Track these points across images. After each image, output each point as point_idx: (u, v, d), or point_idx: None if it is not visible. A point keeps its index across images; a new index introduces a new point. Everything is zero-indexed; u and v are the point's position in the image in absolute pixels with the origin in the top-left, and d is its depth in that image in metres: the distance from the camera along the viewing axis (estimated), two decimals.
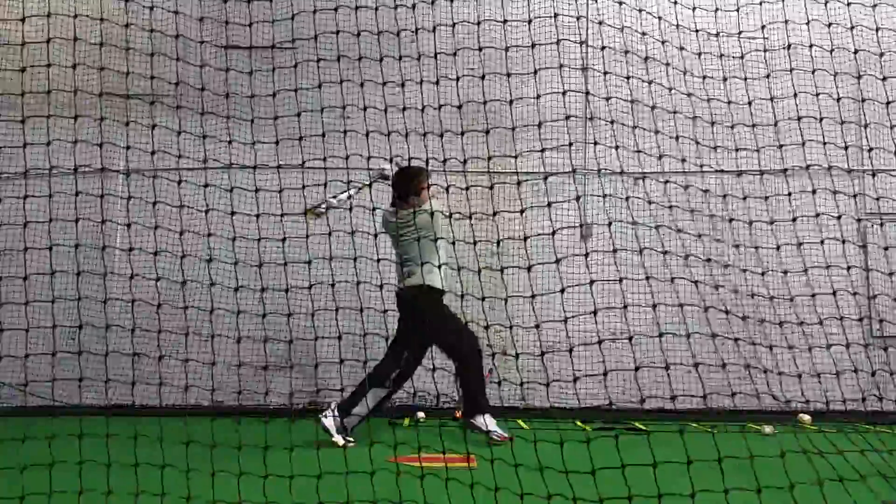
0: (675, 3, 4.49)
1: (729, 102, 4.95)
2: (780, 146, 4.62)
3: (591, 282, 4.10)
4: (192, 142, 5.33)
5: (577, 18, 5.23)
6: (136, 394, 6.81)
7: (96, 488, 3.59)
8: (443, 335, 5.89)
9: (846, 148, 4.86)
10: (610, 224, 4.05)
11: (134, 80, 4.45)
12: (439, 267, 5.64)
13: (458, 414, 6.67)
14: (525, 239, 4.13)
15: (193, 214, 5.37)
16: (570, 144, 5.33)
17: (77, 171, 4.75)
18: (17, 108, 4.99)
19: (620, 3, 4.51)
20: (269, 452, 3.81)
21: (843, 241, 5.22)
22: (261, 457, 3.78)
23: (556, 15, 4.10)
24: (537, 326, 4.32)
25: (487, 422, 5.74)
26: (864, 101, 4.62)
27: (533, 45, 4.13)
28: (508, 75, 4.19)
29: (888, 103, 4.52)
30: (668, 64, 5.14)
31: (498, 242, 4.40)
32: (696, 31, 4.92)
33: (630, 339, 4.19)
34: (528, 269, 4.34)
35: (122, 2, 4.68)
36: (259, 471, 3.68)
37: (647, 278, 4.07)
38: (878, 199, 5.09)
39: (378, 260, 5.40)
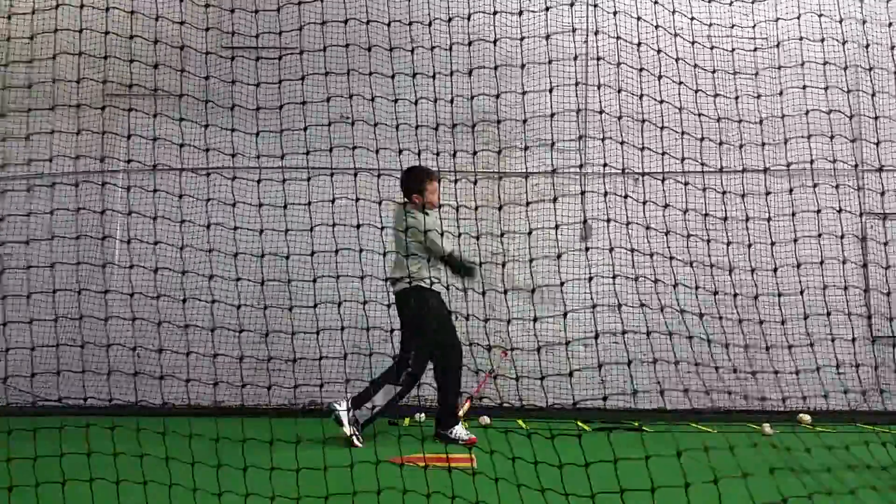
0: (692, 18, 4.43)
1: (741, 121, 4.92)
2: (788, 165, 4.58)
3: (594, 306, 4.10)
4: (196, 152, 5.31)
5: (596, 33, 5.19)
6: (137, 393, 6.84)
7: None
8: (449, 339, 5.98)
9: (856, 167, 4.84)
10: (609, 224, 4.01)
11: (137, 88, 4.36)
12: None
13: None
14: (531, 260, 4.08)
15: (195, 205, 5.35)
16: (581, 166, 5.28)
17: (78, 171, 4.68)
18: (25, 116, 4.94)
19: (639, 19, 4.42)
20: (273, 453, 3.82)
21: (848, 234, 5.22)
22: (266, 456, 3.80)
23: (574, 30, 4.06)
24: (535, 320, 4.32)
25: (458, 431, 5.92)
26: (877, 118, 4.58)
27: (550, 62, 4.09)
28: (524, 93, 4.15)
29: None
30: (676, 59, 5.12)
31: (481, 264, 4.36)
32: (711, 47, 4.87)
33: (629, 362, 4.18)
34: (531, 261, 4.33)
35: (127, 12, 4.59)
36: (264, 471, 3.70)
37: (655, 281, 4.05)
38: (884, 216, 5.07)
39: (384, 253, 5.45)
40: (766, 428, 6.50)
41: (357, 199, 4.46)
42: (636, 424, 6.80)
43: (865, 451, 4.31)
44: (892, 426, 6.67)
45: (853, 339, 5.97)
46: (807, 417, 7.10)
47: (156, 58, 4.60)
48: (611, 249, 4.28)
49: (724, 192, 5.47)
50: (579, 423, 6.80)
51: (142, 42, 4.86)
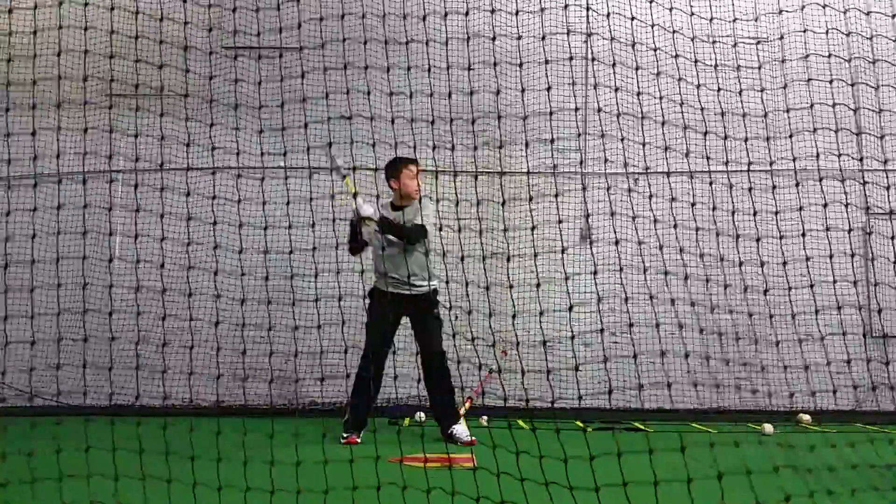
0: (692, 14, 4.43)
1: (744, 115, 4.91)
2: (794, 159, 4.57)
3: (599, 298, 4.09)
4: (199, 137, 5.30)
5: (587, 27, 5.18)
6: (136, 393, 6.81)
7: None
8: (438, 336, 5.95)
9: (861, 159, 4.84)
10: (613, 225, 4.01)
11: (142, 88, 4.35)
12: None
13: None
14: (532, 233, 4.07)
15: (201, 204, 5.36)
16: (581, 156, 5.26)
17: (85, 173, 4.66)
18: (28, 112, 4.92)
19: (633, 19, 4.43)
20: (273, 449, 3.77)
21: (850, 232, 5.24)
22: (267, 455, 3.74)
23: (566, 5, 4.05)
24: (541, 314, 4.30)
25: (458, 430, 5.89)
26: (881, 111, 4.58)
27: (544, 48, 4.07)
28: (521, 64, 4.13)
29: None
30: (675, 56, 5.12)
31: (484, 258, 4.36)
32: (713, 41, 4.87)
33: (634, 356, 4.16)
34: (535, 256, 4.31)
35: (132, 12, 4.59)
36: (263, 470, 3.65)
37: (651, 298, 4.06)
38: (890, 213, 5.06)
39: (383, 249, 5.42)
40: (767, 427, 6.49)
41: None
42: (635, 424, 6.78)
43: (866, 451, 4.30)
44: (892, 426, 6.68)
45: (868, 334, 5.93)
46: (807, 417, 7.08)
47: (160, 58, 4.59)
48: (617, 241, 4.26)
49: (711, 186, 5.45)
50: (579, 423, 6.77)
51: (147, 41, 4.84)
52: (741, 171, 6.26)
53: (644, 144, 4.60)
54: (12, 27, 4.35)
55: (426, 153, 6.70)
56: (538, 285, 4.36)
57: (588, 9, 5.28)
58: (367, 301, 6.00)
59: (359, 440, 5.75)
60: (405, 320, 6.11)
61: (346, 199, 5.85)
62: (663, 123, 4.61)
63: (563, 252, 4.26)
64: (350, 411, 5.90)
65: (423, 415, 7.04)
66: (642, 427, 6.57)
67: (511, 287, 4.22)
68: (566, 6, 4.65)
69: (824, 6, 4.29)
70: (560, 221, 4.19)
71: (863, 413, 7.09)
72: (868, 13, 4.23)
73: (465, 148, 6.95)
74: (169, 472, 3.60)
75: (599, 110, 4.99)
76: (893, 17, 3.80)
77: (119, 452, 3.70)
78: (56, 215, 4.51)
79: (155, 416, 5.58)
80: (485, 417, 6.80)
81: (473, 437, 5.76)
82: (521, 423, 6.85)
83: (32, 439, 3.96)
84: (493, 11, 4.67)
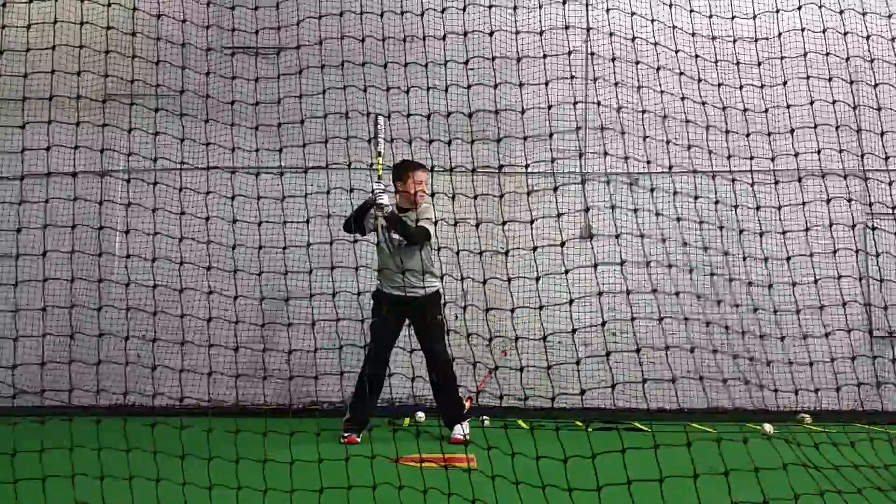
0: (692, 10, 4.43)
1: (745, 110, 4.90)
2: (796, 154, 4.57)
3: (600, 293, 4.09)
4: (195, 146, 5.32)
5: (588, 29, 5.19)
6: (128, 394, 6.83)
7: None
8: (441, 342, 5.95)
9: (862, 156, 4.83)
10: (618, 236, 4.02)
11: (138, 84, 4.37)
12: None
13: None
14: (534, 249, 4.07)
15: (193, 220, 5.38)
16: (581, 155, 5.27)
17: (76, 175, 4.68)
18: (18, 111, 4.93)
19: (633, 14, 4.43)
20: (268, 451, 3.78)
21: (854, 225, 5.21)
22: (260, 455, 3.75)
23: (567, 27, 4.05)
24: (540, 308, 4.31)
25: (457, 429, 5.90)
26: (880, 109, 4.57)
27: (545, 56, 4.09)
28: (521, 85, 4.14)
29: None
30: (676, 51, 5.10)
31: (481, 253, 4.37)
32: (713, 38, 4.86)
33: (637, 350, 4.16)
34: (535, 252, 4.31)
35: (128, 9, 4.60)
36: (258, 471, 3.66)
37: (654, 291, 4.04)
38: (893, 208, 5.05)
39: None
40: (767, 427, 6.47)
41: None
42: (636, 424, 6.75)
43: (867, 452, 4.28)
44: (892, 426, 6.65)
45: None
46: (807, 417, 7.07)
47: (157, 55, 4.60)
48: (595, 266, 4.26)
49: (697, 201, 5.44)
50: (578, 423, 6.75)
51: (143, 39, 4.86)
52: (740, 169, 6.28)
53: (630, 158, 4.58)
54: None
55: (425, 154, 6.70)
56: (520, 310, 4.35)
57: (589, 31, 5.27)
58: (372, 303, 6.05)
59: (358, 440, 5.75)
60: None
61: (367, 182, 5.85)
62: (658, 146, 4.59)
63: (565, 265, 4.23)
64: (351, 411, 5.92)
65: (422, 415, 7.03)
66: (643, 428, 6.55)
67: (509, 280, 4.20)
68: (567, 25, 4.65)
69: (820, 6, 4.29)
70: (574, 224, 4.14)
71: (864, 413, 7.06)
72: (864, 14, 4.23)
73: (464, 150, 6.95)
74: (157, 470, 3.61)
75: (603, 128, 4.96)
76: (889, 17, 3.80)
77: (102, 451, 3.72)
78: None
79: (145, 417, 5.57)
80: (485, 417, 6.79)
81: (463, 437, 5.75)
82: (520, 422, 6.84)
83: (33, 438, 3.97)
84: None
